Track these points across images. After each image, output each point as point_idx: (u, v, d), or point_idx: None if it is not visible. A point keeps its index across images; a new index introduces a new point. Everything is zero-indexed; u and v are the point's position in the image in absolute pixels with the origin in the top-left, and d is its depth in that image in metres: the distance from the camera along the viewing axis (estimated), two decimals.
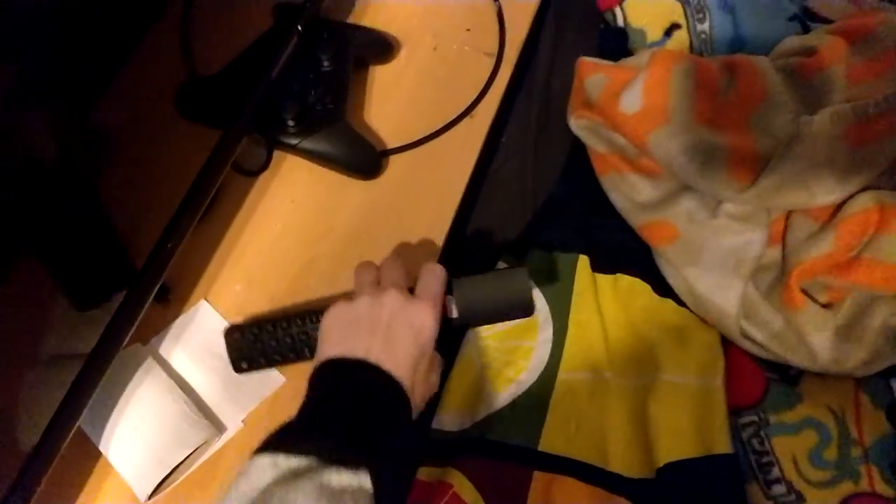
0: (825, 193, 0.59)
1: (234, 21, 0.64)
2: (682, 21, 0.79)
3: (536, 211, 0.74)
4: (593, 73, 0.71)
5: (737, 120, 0.65)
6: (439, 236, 0.68)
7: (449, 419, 0.62)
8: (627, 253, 0.69)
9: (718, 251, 0.63)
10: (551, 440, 0.61)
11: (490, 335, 0.66)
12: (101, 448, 0.56)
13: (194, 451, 0.55)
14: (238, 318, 0.63)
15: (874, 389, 0.60)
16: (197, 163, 0.59)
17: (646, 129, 0.65)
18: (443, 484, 0.58)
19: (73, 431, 0.50)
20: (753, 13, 0.78)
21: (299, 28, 0.68)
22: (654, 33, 0.80)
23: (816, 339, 0.59)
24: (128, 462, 0.55)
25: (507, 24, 0.79)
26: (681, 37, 0.79)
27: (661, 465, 0.57)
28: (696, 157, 0.62)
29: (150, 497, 0.54)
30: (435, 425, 0.62)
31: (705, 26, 0.78)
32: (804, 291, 0.60)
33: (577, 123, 0.73)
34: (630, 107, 0.66)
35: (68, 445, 0.50)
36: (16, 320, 0.45)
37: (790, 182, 0.60)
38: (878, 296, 0.59)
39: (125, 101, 0.51)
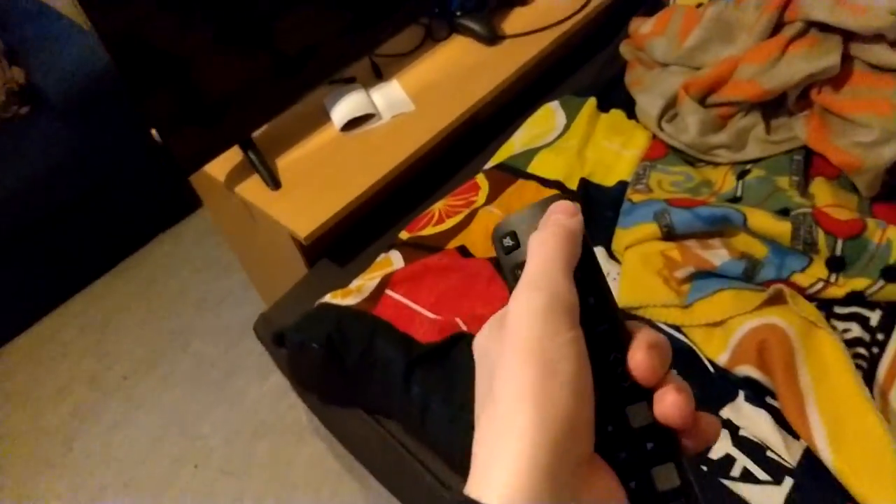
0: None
1: None
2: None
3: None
4: (638, 22, 1.26)
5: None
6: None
7: None
8: (618, 99, 1.21)
9: (655, 87, 1.13)
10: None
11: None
12: (326, 104, 1.20)
13: (366, 117, 1.17)
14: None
15: None
16: None
17: (648, 38, 1.19)
18: None
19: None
20: None
21: None
22: None
23: (690, 121, 1.05)
24: (336, 112, 1.19)
25: None
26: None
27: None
28: (670, 52, 1.14)
29: (342, 128, 1.17)
30: None
31: None
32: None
33: (623, 48, 1.28)
34: (643, 30, 1.20)
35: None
36: None
37: (700, 52, 1.09)
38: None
39: None
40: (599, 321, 0.30)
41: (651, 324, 0.90)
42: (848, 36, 1.00)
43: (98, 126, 1.83)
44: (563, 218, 0.31)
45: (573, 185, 1.08)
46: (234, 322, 1.89)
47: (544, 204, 0.32)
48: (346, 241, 1.14)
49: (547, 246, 0.30)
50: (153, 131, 1.23)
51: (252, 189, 1.14)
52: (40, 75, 1.84)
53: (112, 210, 2.00)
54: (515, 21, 1.35)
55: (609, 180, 1.08)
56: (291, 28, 1.13)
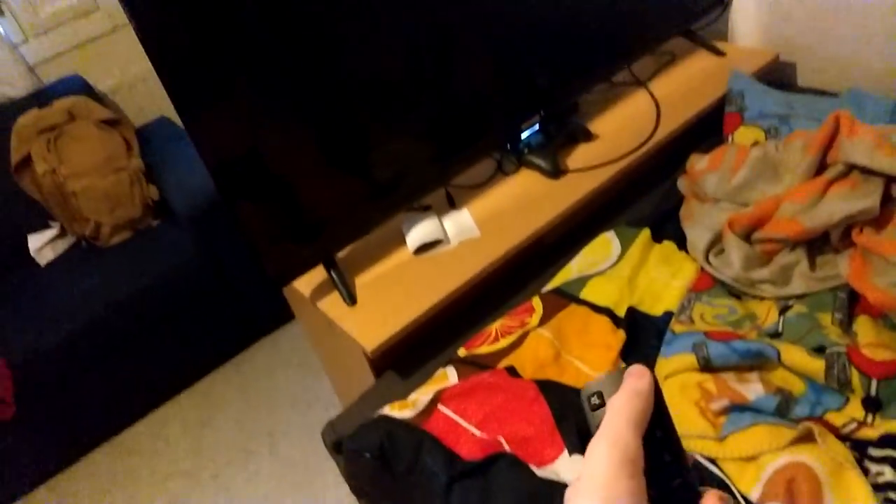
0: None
1: None
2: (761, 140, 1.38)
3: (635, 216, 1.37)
4: (695, 158, 1.35)
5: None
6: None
7: None
8: (671, 231, 1.28)
9: (705, 221, 1.19)
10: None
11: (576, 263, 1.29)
12: (403, 228, 1.34)
13: (435, 242, 1.30)
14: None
15: None
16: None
17: (702, 174, 1.27)
18: None
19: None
20: None
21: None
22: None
23: (734, 256, 1.11)
24: (411, 236, 1.32)
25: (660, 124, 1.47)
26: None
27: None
28: (720, 188, 1.21)
29: (415, 252, 1.30)
30: None
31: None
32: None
33: (680, 182, 1.36)
34: (699, 166, 1.29)
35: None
36: None
37: (747, 190, 1.16)
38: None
39: None
40: (674, 476, 0.37)
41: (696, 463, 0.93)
42: (891, 178, 1.04)
43: (214, 238, 2.06)
44: (634, 380, 0.37)
45: (622, 312, 1.14)
46: (320, 425, 2.00)
47: (626, 369, 0.39)
48: (410, 355, 1.24)
49: (618, 403, 0.36)
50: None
51: (332, 303, 1.27)
52: (172, 193, 2.12)
53: (219, 314, 2.21)
54: (579, 156, 1.46)
55: (657, 310, 1.14)
56: (381, 158, 1.28)
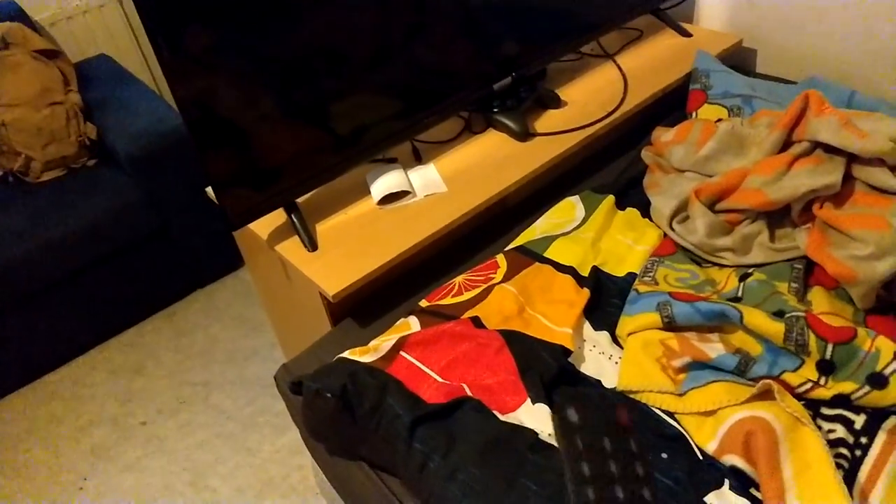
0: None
1: None
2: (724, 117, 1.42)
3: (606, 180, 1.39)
4: (660, 131, 1.37)
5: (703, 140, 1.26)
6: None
7: None
8: (635, 199, 1.30)
9: (670, 190, 1.22)
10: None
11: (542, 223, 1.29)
12: (367, 179, 1.31)
13: (401, 194, 1.27)
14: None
15: None
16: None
17: (668, 146, 1.29)
18: None
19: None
20: None
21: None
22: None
23: (699, 223, 1.13)
24: (375, 186, 1.29)
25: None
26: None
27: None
28: (686, 159, 1.23)
29: (379, 202, 1.27)
30: None
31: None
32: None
33: (645, 153, 1.38)
34: (664, 138, 1.31)
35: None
36: None
37: (713, 162, 1.18)
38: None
39: None
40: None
41: (646, 408, 0.95)
42: (851, 157, 1.08)
43: (155, 183, 1.97)
44: None
45: (585, 272, 1.15)
46: (257, 379, 1.96)
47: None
48: (370, 305, 1.22)
49: None
50: (208, 190, 1.35)
51: (290, 249, 1.23)
52: (112, 133, 2.01)
53: (154, 263, 2.12)
54: (547, 121, 1.46)
55: (619, 271, 1.16)
56: (346, 110, 1.26)
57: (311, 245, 1.22)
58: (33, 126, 2.03)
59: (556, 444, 0.90)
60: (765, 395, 0.90)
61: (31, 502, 1.75)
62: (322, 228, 1.26)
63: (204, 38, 1.06)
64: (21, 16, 2.22)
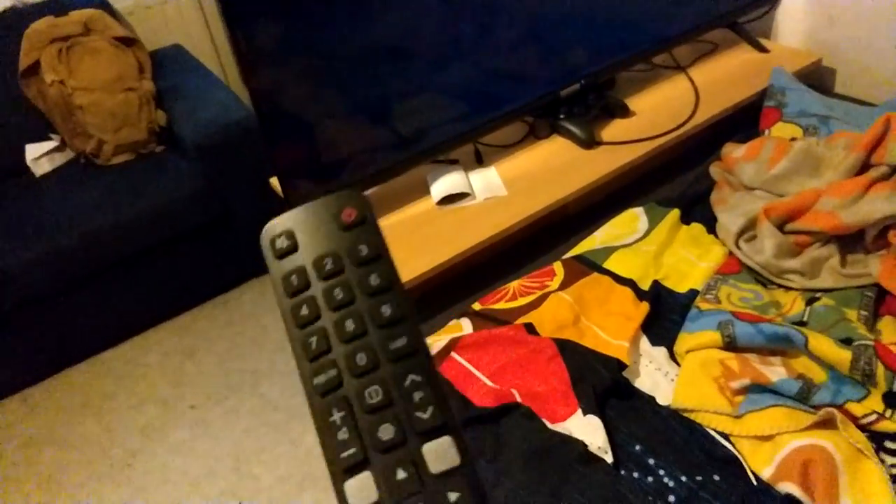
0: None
1: None
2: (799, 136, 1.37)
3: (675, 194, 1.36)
4: (731, 147, 1.34)
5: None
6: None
7: None
8: (701, 214, 1.27)
9: (738, 207, 1.18)
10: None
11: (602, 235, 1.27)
12: (428, 178, 1.31)
13: (460, 196, 1.27)
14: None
15: None
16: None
17: (738, 162, 1.26)
18: None
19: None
20: None
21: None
22: None
23: (766, 243, 1.10)
24: (435, 187, 1.29)
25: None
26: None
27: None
28: (757, 177, 1.20)
29: (438, 203, 1.27)
30: None
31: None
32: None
33: (713, 169, 1.35)
34: (735, 154, 1.28)
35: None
36: None
37: (785, 181, 1.15)
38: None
39: None
40: None
41: (700, 428, 0.92)
42: None
43: (219, 172, 2.02)
44: None
45: (645, 285, 1.13)
46: None
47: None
48: (423, 304, 1.22)
49: None
50: (272, 181, 1.37)
51: None
52: (181, 121, 2.07)
53: (212, 250, 2.17)
54: (613, 130, 1.44)
55: (681, 287, 1.13)
56: (411, 109, 1.26)
57: None
58: (107, 110, 2.10)
59: (603, 457, 0.89)
60: (826, 424, 0.87)
61: (83, 474, 1.80)
62: (381, 225, 1.27)
63: (279, 33, 1.08)
64: (103, 3, 2.30)
